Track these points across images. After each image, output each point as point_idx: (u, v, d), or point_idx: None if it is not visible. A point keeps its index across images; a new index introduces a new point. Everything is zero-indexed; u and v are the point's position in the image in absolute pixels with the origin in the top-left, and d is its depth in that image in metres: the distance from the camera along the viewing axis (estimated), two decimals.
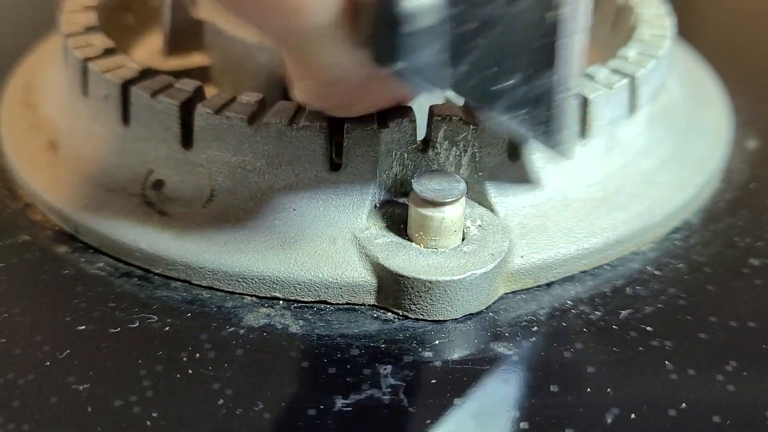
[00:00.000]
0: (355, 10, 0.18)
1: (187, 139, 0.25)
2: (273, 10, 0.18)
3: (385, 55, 0.18)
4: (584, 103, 0.25)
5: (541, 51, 0.21)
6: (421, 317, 0.23)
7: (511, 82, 0.21)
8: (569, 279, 0.25)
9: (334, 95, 0.22)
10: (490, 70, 0.20)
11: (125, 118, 0.26)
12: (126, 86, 0.25)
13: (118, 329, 0.23)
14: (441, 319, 0.23)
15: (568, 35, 0.21)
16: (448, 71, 0.19)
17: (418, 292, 0.23)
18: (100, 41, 0.27)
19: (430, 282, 0.23)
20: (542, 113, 0.22)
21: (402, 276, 0.23)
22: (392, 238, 0.24)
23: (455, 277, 0.23)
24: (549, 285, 0.25)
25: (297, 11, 0.18)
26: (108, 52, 0.27)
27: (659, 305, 0.24)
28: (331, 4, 0.18)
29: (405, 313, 0.23)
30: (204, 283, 0.24)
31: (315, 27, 0.18)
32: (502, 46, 0.20)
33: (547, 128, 0.22)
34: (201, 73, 0.29)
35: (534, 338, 0.23)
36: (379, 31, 0.18)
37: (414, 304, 0.23)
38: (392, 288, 0.23)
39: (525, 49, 0.21)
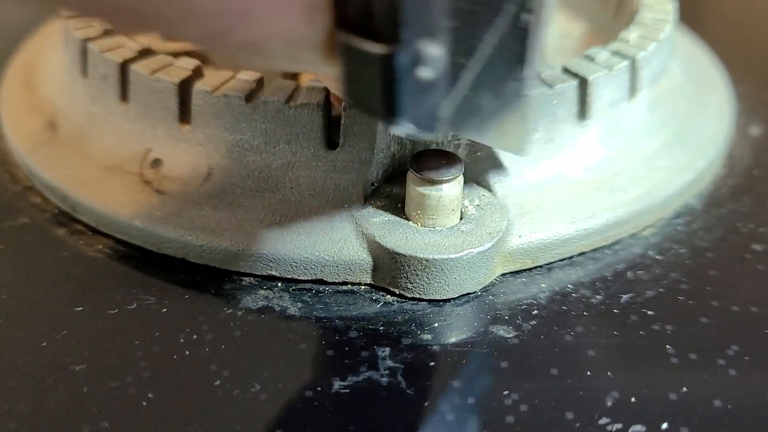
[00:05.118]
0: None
1: (185, 117, 0.25)
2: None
3: (385, 110, 0.17)
4: (584, 84, 0.25)
5: (513, 57, 0.20)
6: (418, 296, 0.23)
7: (480, 99, 0.20)
8: (570, 263, 0.25)
9: None
10: (462, 95, 0.19)
11: (124, 97, 0.26)
12: (125, 66, 0.25)
13: (116, 310, 0.23)
14: (438, 298, 0.23)
15: (539, 32, 0.21)
16: (442, 115, 0.18)
17: (414, 270, 0.23)
18: (100, 22, 0.27)
19: (426, 260, 0.22)
20: (509, 119, 0.21)
21: (399, 254, 0.23)
22: (389, 216, 0.24)
23: (452, 256, 0.23)
24: (549, 269, 0.25)
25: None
26: (108, 33, 0.27)
27: (661, 289, 0.24)
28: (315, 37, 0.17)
29: (402, 292, 0.23)
30: (201, 262, 0.24)
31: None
32: (477, 69, 0.19)
33: (514, 132, 0.22)
34: (201, 55, 0.29)
35: (534, 321, 0.23)
36: (376, 86, 0.17)
37: (411, 283, 0.23)
38: (389, 267, 0.23)
39: (496, 61, 0.20)
